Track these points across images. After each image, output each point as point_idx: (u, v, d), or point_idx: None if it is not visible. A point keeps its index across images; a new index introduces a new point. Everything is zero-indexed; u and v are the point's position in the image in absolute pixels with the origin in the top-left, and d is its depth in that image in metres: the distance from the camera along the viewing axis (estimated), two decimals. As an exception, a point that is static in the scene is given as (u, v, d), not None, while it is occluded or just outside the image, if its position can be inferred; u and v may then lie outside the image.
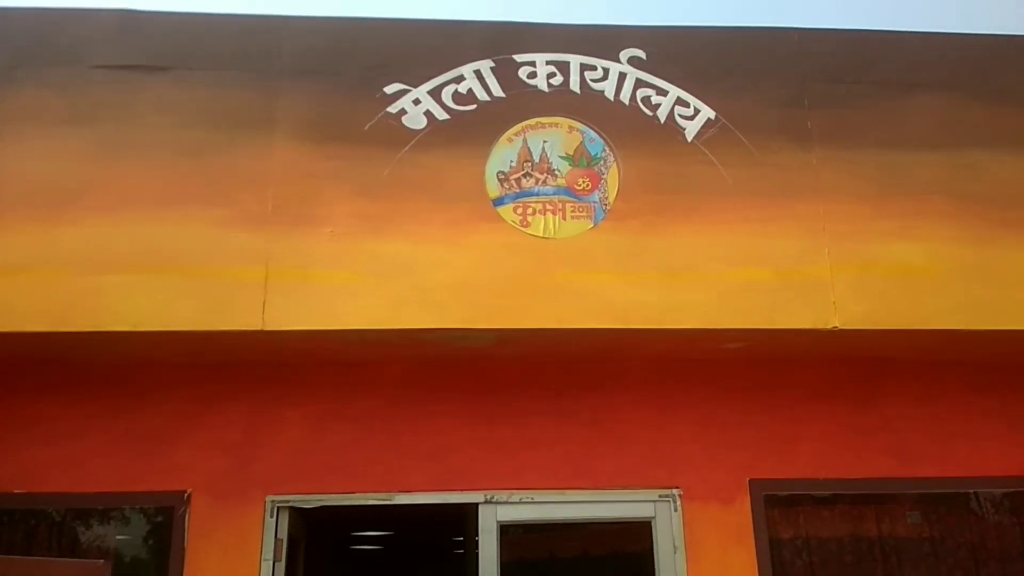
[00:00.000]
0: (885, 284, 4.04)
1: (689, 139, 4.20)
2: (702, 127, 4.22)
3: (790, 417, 4.49)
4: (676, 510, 4.30)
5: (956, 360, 4.55)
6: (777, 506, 4.43)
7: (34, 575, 2.19)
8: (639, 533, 4.37)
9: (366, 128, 4.07)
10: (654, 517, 4.31)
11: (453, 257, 3.93)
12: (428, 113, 4.12)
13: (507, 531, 4.27)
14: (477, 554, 4.27)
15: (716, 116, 4.23)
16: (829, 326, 3.95)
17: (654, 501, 4.33)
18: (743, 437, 4.43)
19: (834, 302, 3.97)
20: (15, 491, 4.04)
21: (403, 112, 4.11)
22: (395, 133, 4.08)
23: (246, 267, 3.83)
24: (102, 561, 2.31)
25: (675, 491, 4.33)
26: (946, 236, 4.13)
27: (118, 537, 4.22)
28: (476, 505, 4.29)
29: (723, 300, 3.95)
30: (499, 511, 4.27)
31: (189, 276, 3.78)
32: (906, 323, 4.00)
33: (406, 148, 4.06)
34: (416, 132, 4.09)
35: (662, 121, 4.23)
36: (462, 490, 4.30)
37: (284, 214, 3.92)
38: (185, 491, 4.13)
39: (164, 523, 4.15)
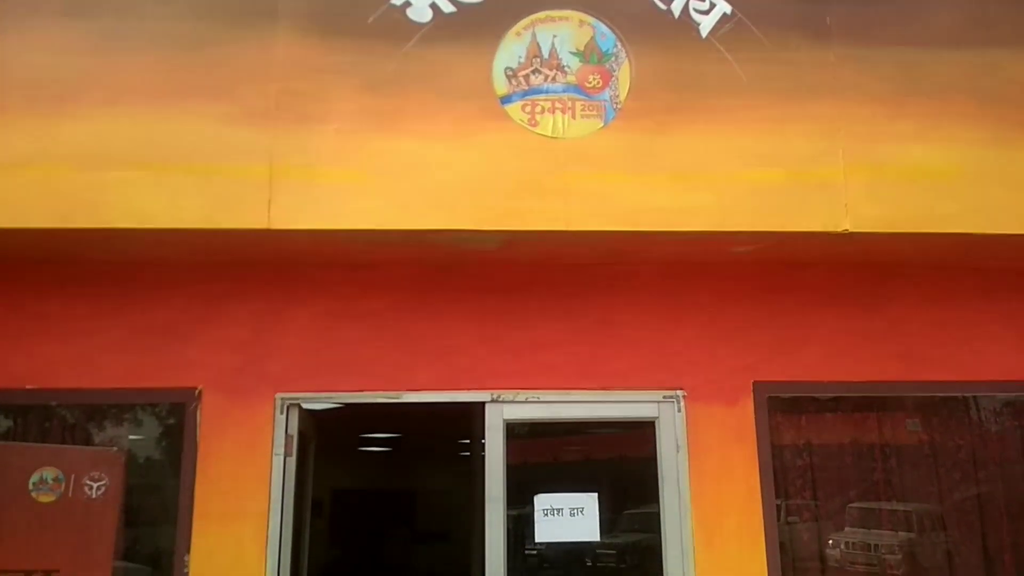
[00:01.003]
0: (899, 186, 3.97)
1: (704, 35, 4.06)
2: (717, 22, 4.08)
3: (796, 321, 4.49)
4: (680, 411, 4.35)
5: (967, 265, 4.52)
6: (780, 408, 4.48)
7: (50, 462, 2.23)
8: (641, 439, 4.44)
9: (370, 21, 3.95)
10: (658, 417, 4.37)
11: (460, 157, 3.87)
12: (433, 5, 3.99)
13: (512, 435, 4.33)
14: (483, 456, 4.34)
15: (732, 11, 4.09)
16: (840, 229, 3.91)
17: (658, 402, 4.38)
18: (748, 340, 4.45)
19: (846, 204, 3.91)
20: (27, 387, 4.10)
21: (407, 4, 3.98)
22: (400, 26, 3.96)
23: (250, 165, 3.78)
24: (116, 448, 2.35)
25: (679, 392, 4.37)
26: (965, 137, 4.04)
27: (131, 437, 4.29)
28: (483, 404, 4.35)
29: (734, 202, 3.90)
30: (505, 410, 4.33)
31: (193, 173, 3.74)
32: (919, 226, 3.96)
33: (411, 42, 3.94)
34: (421, 25, 3.97)
35: (676, 15, 4.09)
36: (469, 389, 4.35)
37: (287, 110, 3.84)
38: (196, 388, 4.18)
39: (176, 419, 4.22)
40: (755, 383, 4.39)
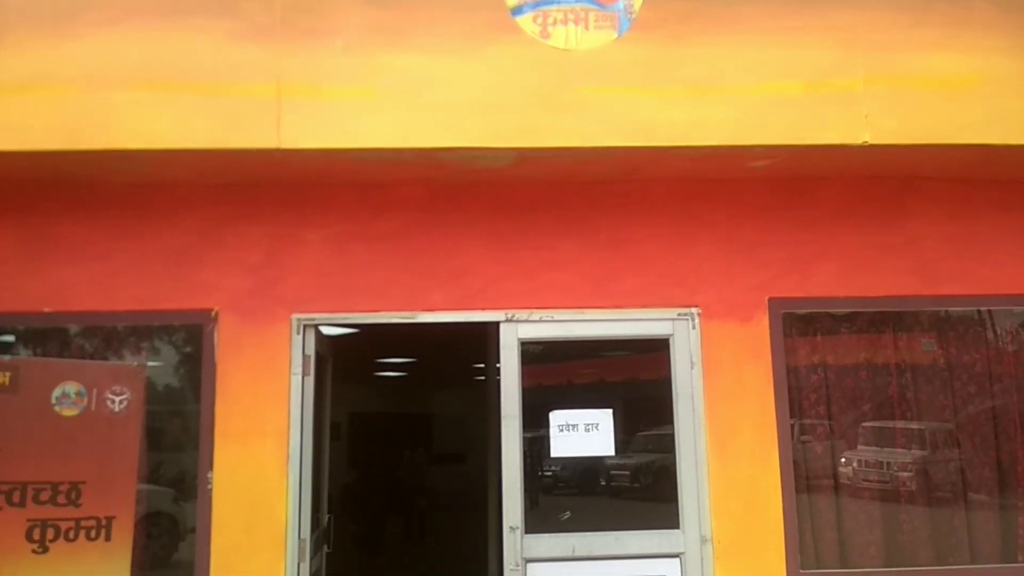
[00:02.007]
0: (920, 97, 3.89)
1: (721, -59, 3.93)
2: (735, -73, 3.94)
3: (812, 236, 4.45)
4: (694, 328, 4.36)
5: (986, 178, 4.44)
6: (795, 325, 4.48)
7: (72, 376, 2.25)
8: (654, 362, 4.45)
9: (376, -69, 3.84)
10: (672, 335, 4.38)
11: (470, 71, 3.81)
12: (441, -86, 3.87)
13: (527, 358, 4.34)
14: (498, 380, 4.36)
15: (750, -85, 3.94)
16: (859, 141, 3.84)
17: (672, 319, 4.38)
18: (764, 256, 4.42)
19: (866, 116, 3.84)
20: (45, 310, 4.14)
21: (414, -86, 3.86)
22: (407, -64, 3.84)
23: (258, 83, 3.73)
24: (136, 363, 2.38)
25: (694, 310, 4.37)
26: (989, 46, 3.93)
27: (149, 364, 4.33)
28: (497, 324, 4.36)
29: (751, 115, 3.83)
30: (520, 329, 4.34)
31: (200, 93, 3.70)
32: (939, 138, 3.88)
33: (419, -47, 3.83)
34: (428, -65, 3.85)
35: (692, -79, 3.95)
36: (483, 309, 4.36)
37: (294, 26, 3.77)
38: (212, 310, 4.21)
39: (194, 341, 4.26)
40: (770, 299, 4.38)
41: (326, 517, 4.83)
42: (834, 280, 4.43)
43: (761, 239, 4.43)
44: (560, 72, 3.83)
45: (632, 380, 4.93)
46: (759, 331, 4.36)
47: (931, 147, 3.92)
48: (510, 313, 4.34)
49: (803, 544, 4.28)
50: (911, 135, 3.86)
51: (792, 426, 4.38)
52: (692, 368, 4.33)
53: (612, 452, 4.40)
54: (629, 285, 4.38)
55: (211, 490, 4.06)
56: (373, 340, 9.16)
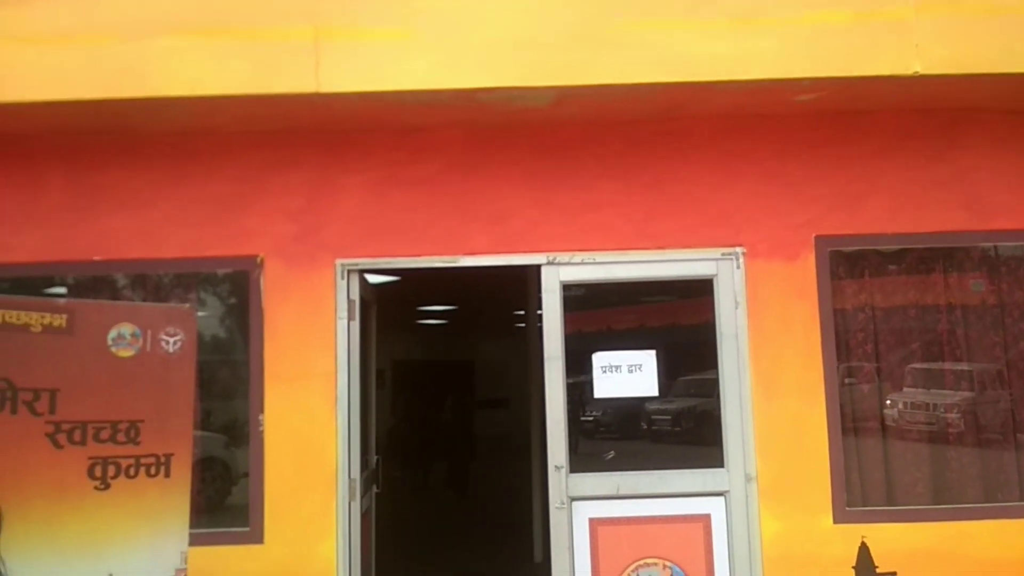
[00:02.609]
0: (973, 24, 3.75)
1: None
2: None
3: (860, 172, 4.35)
4: (739, 268, 4.31)
5: (1042, 108, 4.29)
6: (842, 263, 4.41)
7: (127, 318, 2.30)
8: (695, 307, 4.43)
9: None
10: (716, 275, 4.34)
11: (507, 10, 3.75)
12: None
13: (568, 304, 4.33)
14: (540, 325, 4.37)
15: None
16: (910, 72, 3.72)
17: (716, 259, 4.34)
18: (810, 193, 4.34)
19: (916, 45, 3.71)
20: (95, 258, 4.23)
21: None
22: None
23: (295, 26, 3.71)
24: (188, 305, 2.42)
25: (738, 249, 4.32)
26: (1048, -32, 3.76)
27: (200, 313, 4.41)
28: (539, 267, 4.36)
29: (798, 47, 3.73)
30: (561, 272, 4.34)
31: (238, 37, 3.69)
32: (993, 66, 3.75)
33: None
34: None
35: None
36: (525, 252, 4.35)
37: (330, -32, 3.73)
38: (257, 256, 4.26)
39: (240, 288, 4.33)
40: (816, 237, 4.31)
41: (374, 458, 4.92)
42: (883, 216, 4.34)
43: (807, 175, 4.34)
44: (599, 7, 3.75)
45: (673, 325, 4.92)
46: (805, 270, 4.31)
47: (984, 76, 3.78)
48: (551, 256, 4.33)
49: (849, 483, 4.27)
50: (963, 64, 3.73)
51: (838, 366, 4.33)
52: (736, 308, 4.30)
53: (656, 392, 4.41)
54: (672, 225, 4.34)
55: (263, 432, 4.16)
56: (415, 288, 9.23)
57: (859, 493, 4.33)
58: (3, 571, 2.11)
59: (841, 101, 4.13)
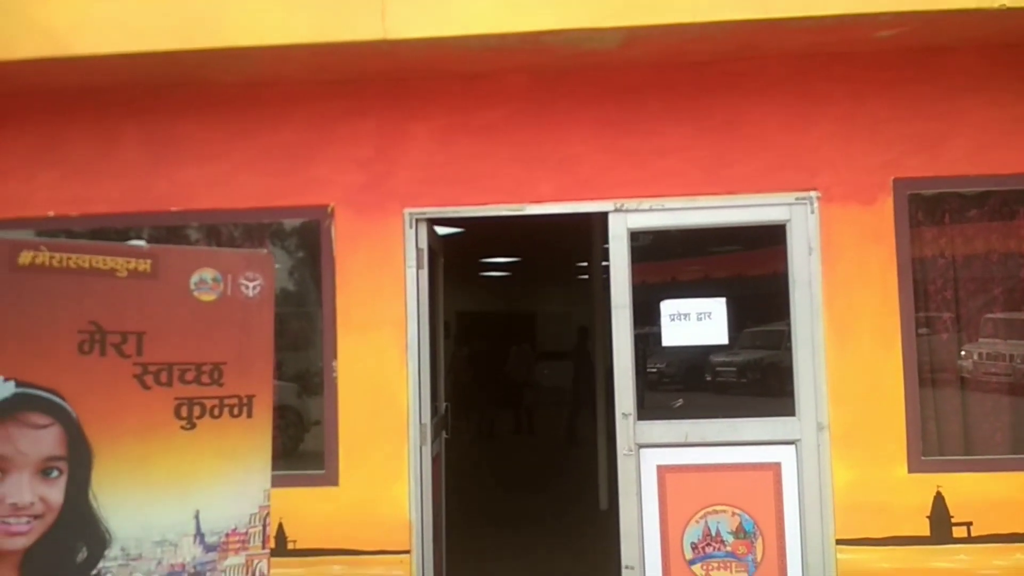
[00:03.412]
0: (1070, -50, 3.53)
1: None
2: None
3: (941, 111, 4.17)
4: (813, 212, 4.20)
5: None
6: (921, 206, 4.26)
7: (208, 263, 2.35)
8: (762, 257, 4.36)
9: None
10: (789, 220, 4.24)
11: (575, -51, 3.66)
12: None
13: (635, 253, 4.27)
14: (604, 278, 4.32)
15: None
16: (995, 5, 3.54)
17: (790, 204, 4.23)
18: (889, 134, 4.18)
19: (1006, -26, 3.52)
20: (171, 209, 4.34)
21: None
22: None
23: (361, -27, 3.69)
24: (266, 251, 2.47)
25: (812, 193, 4.21)
26: None
27: (276, 266, 4.48)
28: (606, 214, 4.31)
29: (877, -21, 3.57)
30: (629, 219, 4.29)
31: (306, -13, 3.69)
32: (1089, -4, 3.53)
33: None
34: None
35: None
36: (592, 199, 4.31)
37: (395, -89, 3.68)
38: (328, 205, 4.31)
39: (310, 237, 4.39)
40: (895, 180, 4.17)
41: (443, 405, 4.99)
42: (965, 158, 4.17)
43: (886, 116, 4.19)
44: (669, -58, 3.64)
45: (739, 276, 4.84)
46: (882, 214, 4.18)
47: (1081, 6, 3.58)
48: (619, 203, 4.28)
49: (924, 432, 4.18)
50: (1055, -6, 3.53)
51: (915, 314, 4.21)
52: (810, 255, 4.20)
53: (725, 341, 4.35)
54: (743, 170, 4.24)
55: (336, 378, 4.25)
56: (478, 240, 9.27)
57: (934, 443, 4.23)
58: (96, 507, 2.20)
59: (922, 37, 3.95)
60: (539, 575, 5.84)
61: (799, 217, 4.22)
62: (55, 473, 2.13)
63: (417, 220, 4.34)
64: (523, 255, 13.85)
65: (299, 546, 4.12)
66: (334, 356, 4.26)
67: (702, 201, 4.25)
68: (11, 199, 4.35)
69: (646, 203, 4.27)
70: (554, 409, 15.18)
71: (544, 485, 9.33)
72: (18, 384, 2.09)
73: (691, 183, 4.25)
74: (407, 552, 4.19)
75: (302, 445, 4.71)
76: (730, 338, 4.42)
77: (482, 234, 8.75)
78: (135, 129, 4.37)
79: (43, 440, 2.12)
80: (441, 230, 5.47)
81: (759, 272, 4.80)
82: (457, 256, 8.55)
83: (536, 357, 14.67)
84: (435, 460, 4.57)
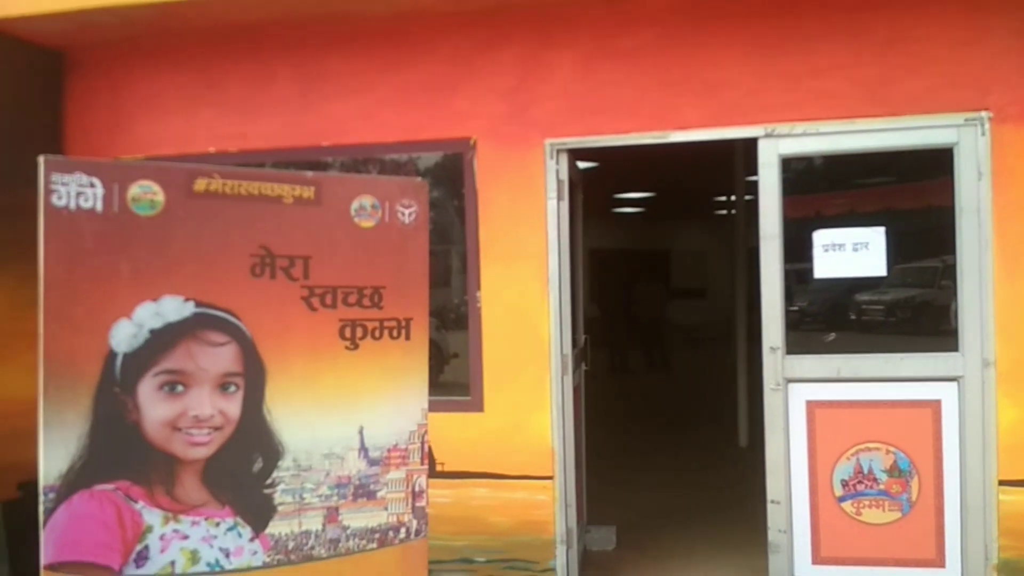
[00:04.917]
0: None
1: None
2: None
3: None
4: (983, 134, 3.89)
5: None
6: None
7: (364, 190, 2.42)
8: (916, 191, 4.11)
9: None
10: (956, 143, 3.94)
11: None
12: None
13: (784, 186, 4.09)
14: (742, 215, 4.17)
15: None
16: None
17: (958, 126, 3.93)
18: (1077, 46, 3.80)
19: None
20: (322, 144, 4.47)
21: None
22: None
23: None
24: (420, 179, 2.51)
25: (983, 114, 3.89)
26: None
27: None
28: (755, 140, 4.14)
29: None
30: (780, 144, 4.10)
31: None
32: None
33: None
34: None
35: None
36: (740, 125, 4.14)
37: None
38: (471, 138, 4.34)
39: (455, 169, 4.44)
40: (1082, 96, 3.81)
41: (582, 337, 5.01)
42: None
43: (1075, 28, 3.81)
44: None
45: (891, 210, 4.57)
46: (1064, 134, 3.83)
47: None
48: (770, 128, 4.10)
49: (1107, 371, 3.87)
50: None
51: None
52: (980, 180, 3.91)
53: (883, 272, 4.14)
54: (906, 89, 3.96)
55: (480, 308, 4.33)
56: (613, 175, 9.15)
57: (1118, 382, 3.92)
58: (270, 421, 2.33)
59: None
60: (678, 508, 5.85)
61: (968, 139, 3.92)
62: (232, 388, 2.27)
63: (558, 151, 4.30)
64: (658, 190, 13.60)
65: (447, 468, 4.26)
66: (478, 287, 4.33)
67: (860, 124, 4.02)
68: (175, 136, 4.60)
69: (799, 127, 4.07)
70: (688, 347, 15.02)
71: (680, 422, 9.29)
72: (197, 304, 2.22)
73: (848, 105, 4.01)
74: (550, 478, 4.27)
75: (442, 377, 4.85)
76: (878, 276, 4.20)
77: (617, 169, 8.64)
78: (287, 66, 4.50)
79: (221, 357, 2.25)
80: (586, 152, 5.41)
81: (914, 205, 4.54)
82: (591, 192, 8.49)
83: (670, 295, 14.48)
84: (575, 390, 4.61)
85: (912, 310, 5.27)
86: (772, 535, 4.12)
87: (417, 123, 4.37)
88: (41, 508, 2.00)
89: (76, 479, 2.07)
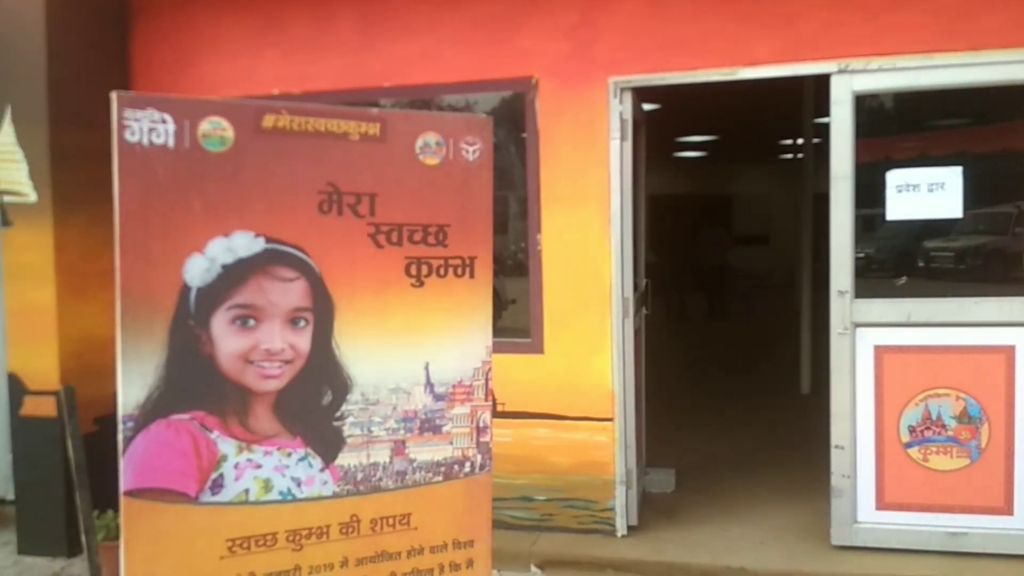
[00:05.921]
0: None
1: None
2: None
3: None
4: (1074, 69, 3.70)
5: None
6: None
7: (431, 127, 2.41)
8: (992, 133, 3.90)
9: None
10: (1044, 77, 3.76)
11: None
12: None
13: (860, 120, 3.94)
14: (810, 154, 4.04)
15: None
16: None
17: (1045, 60, 3.75)
18: None
19: None
20: (384, 84, 4.45)
21: None
22: None
23: None
24: (485, 116, 2.48)
25: (1075, 47, 3.70)
26: None
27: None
28: (827, 76, 4.00)
29: None
30: (854, 81, 3.96)
31: None
32: None
33: None
34: None
35: None
36: (812, 60, 4.00)
37: None
38: (532, 77, 4.27)
39: (516, 110, 4.38)
40: None
41: (643, 281, 4.97)
42: None
43: None
44: None
45: (966, 153, 4.40)
46: None
47: None
48: (843, 63, 3.95)
49: None
50: None
51: None
52: (1067, 117, 3.73)
53: (959, 214, 3.99)
54: (991, 21, 3.77)
55: (541, 251, 4.31)
56: (676, 117, 8.95)
57: None
58: (339, 355, 2.37)
59: None
60: (739, 452, 5.83)
61: (1056, 74, 3.73)
62: (302, 323, 2.30)
63: (622, 89, 4.22)
64: (721, 134, 13.31)
65: (508, 409, 4.30)
66: (538, 230, 4.30)
67: (939, 59, 3.84)
68: (240, 78, 4.63)
69: (874, 62, 3.91)
70: (750, 294, 14.83)
71: (741, 368, 9.21)
72: (267, 240, 2.24)
73: (927, 39, 3.84)
74: (610, 420, 4.29)
75: (499, 322, 4.86)
76: (948, 223, 4.06)
77: (680, 111, 8.45)
78: (348, 6, 4.47)
79: (291, 292, 2.28)
80: (650, 89, 5.30)
81: (990, 148, 4.36)
82: (652, 136, 8.35)
83: (732, 241, 14.25)
84: (636, 334, 4.59)
85: (983, 256, 5.08)
86: (836, 480, 4.09)
87: (479, 63, 4.31)
88: (120, 437, 2.07)
89: (153, 409, 2.13)
